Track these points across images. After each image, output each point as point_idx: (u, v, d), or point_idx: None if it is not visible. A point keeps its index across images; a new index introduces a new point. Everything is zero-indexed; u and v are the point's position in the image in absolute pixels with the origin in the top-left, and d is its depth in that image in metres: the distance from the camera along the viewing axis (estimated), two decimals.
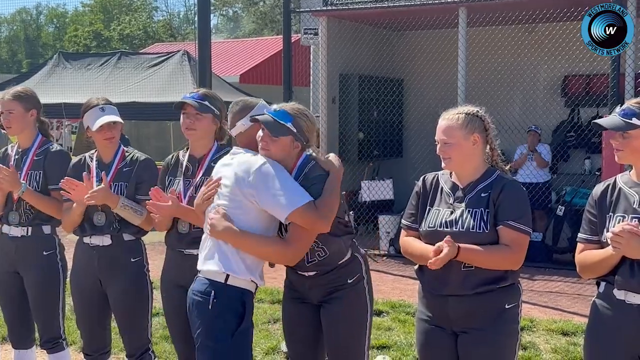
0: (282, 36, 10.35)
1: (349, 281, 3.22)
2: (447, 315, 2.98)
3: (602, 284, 2.86)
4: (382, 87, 10.55)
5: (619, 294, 2.77)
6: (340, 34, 10.35)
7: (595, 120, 2.88)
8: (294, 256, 3.09)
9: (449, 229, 2.93)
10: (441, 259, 2.79)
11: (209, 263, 3.05)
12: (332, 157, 3.22)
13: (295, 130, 3.10)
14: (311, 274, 3.22)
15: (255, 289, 3.12)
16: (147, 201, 3.48)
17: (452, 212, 2.97)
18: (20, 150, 3.99)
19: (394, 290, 7.31)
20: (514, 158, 9.70)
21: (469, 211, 2.93)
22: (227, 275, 2.99)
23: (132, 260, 3.73)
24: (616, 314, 2.79)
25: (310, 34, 11.14)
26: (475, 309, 2.92)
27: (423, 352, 3.11)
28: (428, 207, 3.05)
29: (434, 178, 3.12)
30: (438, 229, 2.96)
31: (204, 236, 3.15)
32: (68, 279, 3.98)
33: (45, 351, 4.12)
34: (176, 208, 3.41)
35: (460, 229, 2.91)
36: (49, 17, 65.28)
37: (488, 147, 3.04)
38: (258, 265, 3.07)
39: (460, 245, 2.82)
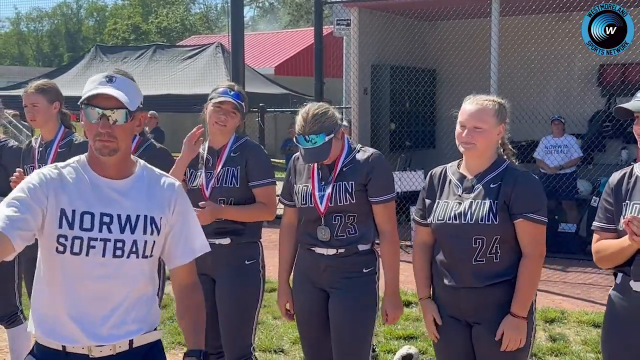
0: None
1: (365, 270, 3.26)
2: (460, 306, 2.98)
3: (619, 275, 2.81)
4: (414, 77, 10.50)
5: (635, 286, 2.72)
6: (371, 24, 10.33)
7: (620, 105, 2.78)
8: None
9: (457, 222, 2.92)
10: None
11: None
12: None
13: (332, 135, 3.22)
14: (331, 252, 3.24)
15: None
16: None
17: (460, 204, 2.95)
18: (43, 142, 4.05)
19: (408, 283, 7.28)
20: (537, 150, 9.55)
21: (477, 202, 2.91)
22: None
23: None
24: (632, 306, 2.74)
25: (343, 24, 11.15)
26: (487, 301, 2.92)
27: (438, 343, 3.12)
28: (437, 200, 3.03)
29: (441, 171, 3.10)
30: (447, 221, 2.95)
31: None
32: None
33: (2, 326, 4.36)
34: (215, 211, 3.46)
35: (469, 222, 2.89)
36: (89, 10, 66.18)
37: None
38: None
39: None
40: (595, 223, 2.88)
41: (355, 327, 3.26)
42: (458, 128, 2.96)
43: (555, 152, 9.43)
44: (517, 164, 3.04)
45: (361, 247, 3.25)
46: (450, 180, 3.04)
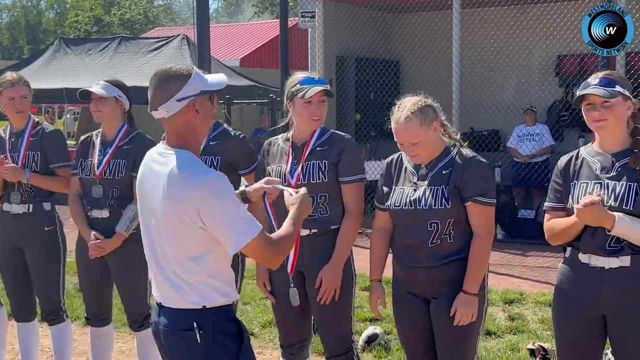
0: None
1: None
2: (417, 283, 3.16)
3: (568, 249, 3.02)
4: (378, 69, 10.69)
5: (583, 258, 2.93)
6: (336, 16, 10.49)
7: (583, 91, 2.90)
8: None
9: (413, 207, 3.10)
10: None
11: (172, 299, 2.52)
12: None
13: (328, 87, 3.38)
14: (304, 233, 3.32)
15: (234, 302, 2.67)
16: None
17: (415, 190, 3.12)
18: (14, 132, 4.14)
19: (389, 266, 7.48)
20: (511, 139, 9.84)
21: (430, 189, 3.08)
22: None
23: (131, 232, 3.89)
24: (580, 277, 2.95)
25: (308, 16, 11.28)
26: (442, 278, 3.10)
27: (398, 317, 3.31)
28: (393, 187, 3.20)
29: (398, 158, 3.26)
30: (403, 207, 3.13)
31: (147, 258, 2.62)
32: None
33: (46, 324, 4.30)
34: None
35: (424, 207, 3.07)
36: (50, 2, 65.17)
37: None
38: (225, 282, 2.54)
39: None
40: (546, 203, 3.09)
41: (335, 305, 3.39)
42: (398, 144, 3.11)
43: (527, 141, 9.70)
44: (465, 144, 3.21)
45: (333, 227, 3.38)
46: (406, 167, 3.20)
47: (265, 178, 2.88)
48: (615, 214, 2.80)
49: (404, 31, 10.94)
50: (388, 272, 3.39)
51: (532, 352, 4.88)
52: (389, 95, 10.82)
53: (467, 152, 3.15)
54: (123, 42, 14.38)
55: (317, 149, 3.40)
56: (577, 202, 2.87)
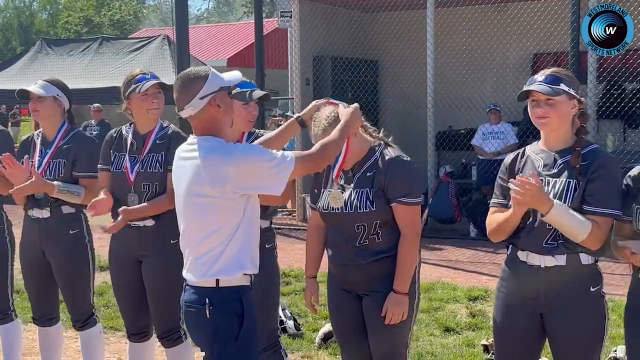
0: (270, 19, 10.57)
1: (267, 246, 3.44)
2: (348, 280, 3.20)
3: (510, 247, 3.03)
4: (355, 68, 10.72)
5: (521, 255, 2.93)
6: (312, 15, 10.53)
7: (528, 87, 2.90)
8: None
9: (339, 211, 3.13)
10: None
11: (193, 272, 2.80)
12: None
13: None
14: None
15: (251, 279, 2.86)
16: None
17: (342, 193, 3.15)
18: None
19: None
20: (475, 138, 9.89)
21: (356, 192, 3.11)
22: (217, 279, 2.76)
23: (71, 232, 3.91)
24: (519, 275, 2.95)
25: (287, 16, 11.32)
26: (373, 274, 3.13)
27: (333, 313, 3.35)
28: (322, 189, 3.23)
29: None
30: (331, 211, 3.17)
31: (181, 243, 2.89)
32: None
33: None
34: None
35: (350, 211, 3.11)
36: (42, 3, 65.04)
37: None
38: (247, 254, 2.79)
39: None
40: (492, 200, 3.09)
41: (262, 302, 3.39)
42: None
43: (492, 139, 9.77)
44: (390, 139, 3.22)
45: (263, 224, 3.38)
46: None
47: (314, 101, 3.14)
48: (555, 200, 2.79)
49: (380, 30, 10.97)
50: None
51: (485, 348, 4.92)
52: (367, 94, 10.87)
53: (390, 152, 3.15)
54: (104, 43, 14.43)
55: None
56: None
